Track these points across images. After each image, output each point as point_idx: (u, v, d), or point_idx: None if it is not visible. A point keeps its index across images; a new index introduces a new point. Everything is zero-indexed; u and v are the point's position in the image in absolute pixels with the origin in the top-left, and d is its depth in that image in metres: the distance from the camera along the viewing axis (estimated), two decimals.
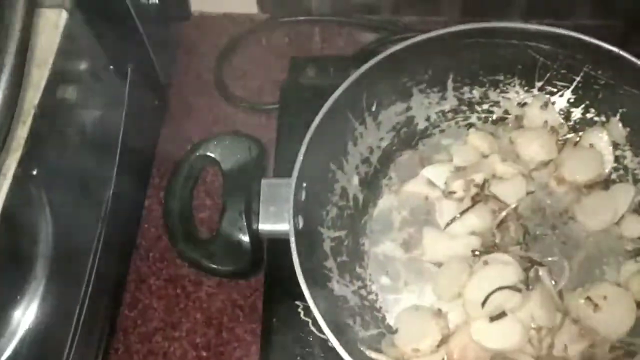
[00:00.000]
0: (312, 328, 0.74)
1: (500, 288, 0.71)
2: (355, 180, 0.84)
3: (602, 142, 0.83)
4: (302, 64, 0.95)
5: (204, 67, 1.08)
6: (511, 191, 0.80)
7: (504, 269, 0.73)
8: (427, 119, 0.88)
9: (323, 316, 0.66)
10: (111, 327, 0.88)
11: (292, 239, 0.68)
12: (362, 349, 0.72)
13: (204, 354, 0.88)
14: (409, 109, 0.87)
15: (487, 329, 0.71)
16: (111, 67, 0.85)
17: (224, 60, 1.07)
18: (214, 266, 0.69)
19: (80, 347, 0.77)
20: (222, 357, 0.87)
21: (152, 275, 0.93)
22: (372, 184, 0.86)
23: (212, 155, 0.72)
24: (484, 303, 0.71)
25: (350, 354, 0.65)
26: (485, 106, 0.89)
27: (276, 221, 0.72)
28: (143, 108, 0.93)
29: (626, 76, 0.79)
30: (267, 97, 1.04)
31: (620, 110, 0.82)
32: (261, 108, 1.02)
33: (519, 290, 0.70)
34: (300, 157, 0.72)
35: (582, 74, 0.83)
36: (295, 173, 0.72)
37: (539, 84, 0.86)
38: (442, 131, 0.88)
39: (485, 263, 0.75)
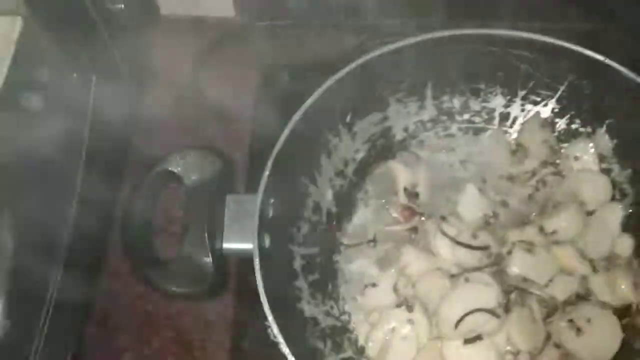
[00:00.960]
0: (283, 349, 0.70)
1: (478, 310, 0.68)
2: (329, 194, 0.81)
3: (588, 154, 0.79)
4: (276, 72, 0.91)
5: (177, 73, 1.04)
6: None
7: (483, 290, 0.70)
8: (405, 129, 0.85)
9: (288, 340, 0.63)
10: (78, 344, 0.85)
11: (256, 260, 0.65)
12: None
13: None
14: (385, 119, 0.84)
15: (459, 351, 0.67)
16: (74, 75, 0.81)
17: (198, 65, 1.03)
18: (174, 289, 0.65)
19: None
20: None
21: (122, 292, 0.90)
22: (346, 198, 0.82)
23: (174, 170, 0.68)
24: (458, 323, 0.67)
25: None
26: (466, 116, 0.85)
27: (241, 240, 0.68)
28: (110, 117, 0.89)
29: (613, 85, 0.75)
30: (242, 104, 1.00)
31: (607, 121, 0.79)
32: (235, 117, 0.98)
33: (498, 316, 0.67)
34: (266, 173, 0.69)
35: (566, 82, 0.79)
36: (261, 188, 0.68)
37: (521, 93, 0.82)
38: (420, 142, 0.84)
39: (467, 280, 0.71)
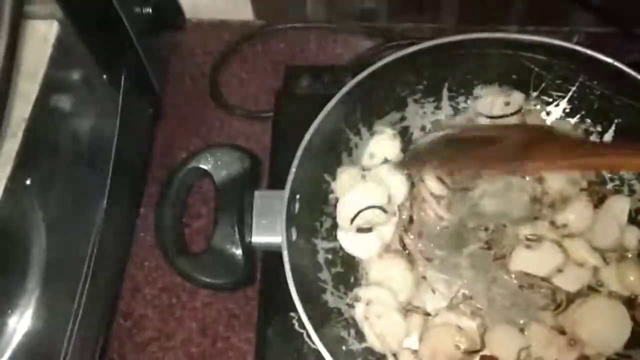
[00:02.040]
0: (307, 340, 0.73)
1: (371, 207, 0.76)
2: None
3: None
4: (297, 73, 0.94)
5: (199, 74, 1.08)
6: None
7: (376, 189, 0.78)
8: (422, 128, 0.88)
9: (316, 330, 0.66)
10: (106, 336, 0.88)
11: (285, 252, 0.68)
12: None
13: None
14: (403, 119, 0.87)
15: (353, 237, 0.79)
16: (104, 76, 0.85)
17: (219, 67, 1.06)
18: (207, 279, 0.68)
19: (74, 357, 0.77)
20: None
21: (147, 285, 0.93)
22: None
23: (205, 167, 0.72)
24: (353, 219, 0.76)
25: None
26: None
27: (269, 233, 0.71)
28: (137, 117, 0.93)
29: (621, 87, 0.78)
30: (262, 104, 1.03)
31: (616, 121, 0.82)
32: (256, 116, 1.02)
33: (386, 211, 0.76)
34: (292, 170, 0.72)
35: (577, 84, 0.82)
36: (288, 185, 0.71)
37: (534, 94, 0.85)
38: None
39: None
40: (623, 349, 0.74)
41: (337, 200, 0.81)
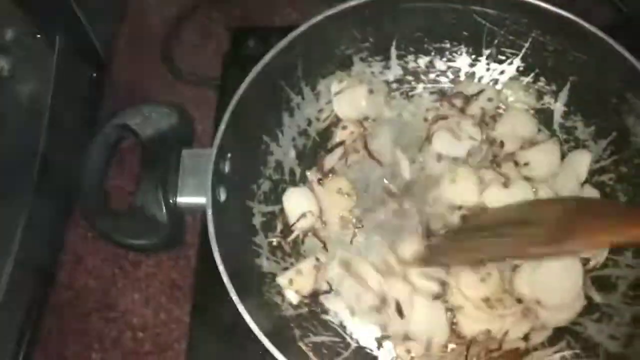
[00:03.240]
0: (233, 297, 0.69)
1: None
2: (292, 153, 0.81)
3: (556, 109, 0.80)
4: (243, 36, 0.90)
5: (152, 40, 1.04)
6: None
7: None
8: (370, 90, 0.84)
9: (241, 292, 0.63)
10: (40, 307, 0.85)
11: (209, 212, 0.65)
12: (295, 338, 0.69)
13: (140, 334, 0.85)
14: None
15: None
16: (38, 35, 0.81)
17: (173, 34, 1.02)
18: (127, 240, 0.65)
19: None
20: (158, 338, 0.84)
21: (89, 255, 0.90)
22: (310, 157, 0.82)
23: (130, 124, 0.68)
24: None
25: (277, 334, 0.62)
26: (431, 76, 0.85)
27: (195, 194, 0.68)
28: (77, 80, 0.89)
29: (576, 41, 0.74)
30: (215, 71, 0.99)
31: (570, 79, 0.78)
32: (207, 83, 0.98)
33: None
34: (221, 127, 0.69)
35: (530, 40, 0.78)
36: (216, 142, 0.68)
37: (486, 52, 0.82)
38: (387, 102, 0.84)
39: None
40: (575, 317, 0.70)
41: (277, 162, 0.78)
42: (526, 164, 0.76)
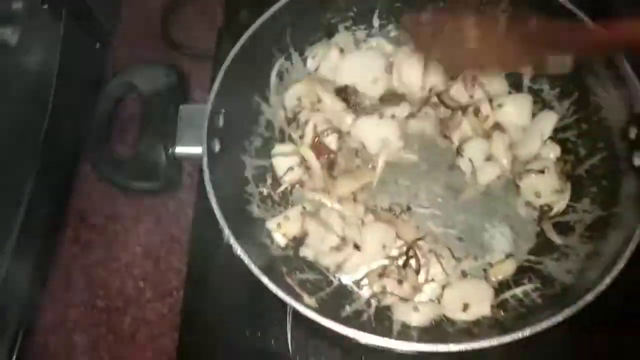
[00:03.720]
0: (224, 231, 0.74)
1: None
2: (282, 114, 0.87)
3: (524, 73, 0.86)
4: (236, 8, 0.97)
5: (153, 15, 1.09)
6: None
7: None
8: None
9: (235, 233, 0.69)
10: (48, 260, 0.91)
11: (205, 159, 0.71)
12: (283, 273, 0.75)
13: (142, 284, 0.91)
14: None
15: None
16: (45, 6, 0.87)
17: (172, 9, 1.08)
18: (130, 183, 0.72)
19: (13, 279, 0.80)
20: (158, 287, 0.91)
21: (94, 213, 0.96)
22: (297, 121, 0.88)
23: (133, 81, 0.75)
24: None
25: (267, 270, 0.67)
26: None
27: (191, 144, 0.74)
28: (83, 50, 0.95)
29: (541, 7, 0.78)
30: (211, 45, 1.05)
31: None
32: (204, 55, 1.03)
33: None
34: (216, 84, 0.75)
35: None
36: (211, 97, 0.74)
37: None
38: None
39: None
40: (535, 256, 0.77)
41: (268, 122, 0.85)
42: (500, 105, 0.83)
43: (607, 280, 0.64)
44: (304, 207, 0.80)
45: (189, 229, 0.91)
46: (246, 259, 0.68)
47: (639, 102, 0.71)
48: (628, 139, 0.73)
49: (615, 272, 0.64)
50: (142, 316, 0.89)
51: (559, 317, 0.62)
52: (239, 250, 0.68)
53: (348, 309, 0.75)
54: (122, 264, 0.92)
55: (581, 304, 0.63)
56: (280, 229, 0.78)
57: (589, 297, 0.63)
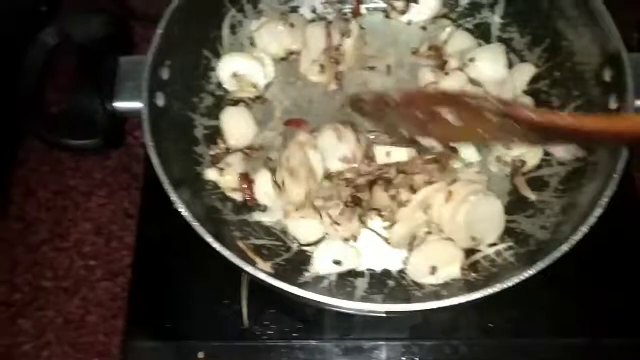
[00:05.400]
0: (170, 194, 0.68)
1: None
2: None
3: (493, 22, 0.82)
4: None
5: None
6: None
7: None
8: (313, 10, 0.85)
9: (180, 192, 0.63)
10: None
11: (145, 111, 0.65)
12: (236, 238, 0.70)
13: (92, 263, 0.85)
14: None
15: None
16: None
17: None
18: (64, 141, 0.65)
19: None
20: (110, 266, 0.85)
21: (41, 188, 0.90)
22: None
23: (66, 29, 0.68)
24: None
25: (217, 235, 0.62)
26: None
27: (132, 99, 0.68)
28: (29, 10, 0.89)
29: None
30: None
31: None
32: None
33: None
34: (158, 32, 0.69)
35: None
36: (153, 46, 0.68)
37: None
38: (329, 23, 0.84)
39: None
40: (508, 215, 0.72)
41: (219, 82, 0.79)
42: (472, 60, 0.77)
43: (584, 229, 0.58)
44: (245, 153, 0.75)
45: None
46: (194, 223, 0.62)
47: (613, 40, 0.66)
48: (603, 82, 0.68)
49: (592, 220, 0.59)
50: (93, 297, 0.83)
51: (530, 272, 0.57)
52: (184, 213, 0.62)
53: (307, 275, 0.69)
54: (72, 242, 0.86)
55: (556, 255, 0.57)
56: (223, 177, 0.72)
57: (564, 248, 0.58)
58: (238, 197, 0.73)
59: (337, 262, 0.70)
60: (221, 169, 0.72)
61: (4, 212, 0.88)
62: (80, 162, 0.90)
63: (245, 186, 0.73)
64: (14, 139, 0.89)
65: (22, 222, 0.88)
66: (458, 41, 0.81)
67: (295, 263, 0.70)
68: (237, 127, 0.78)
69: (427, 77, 0.77)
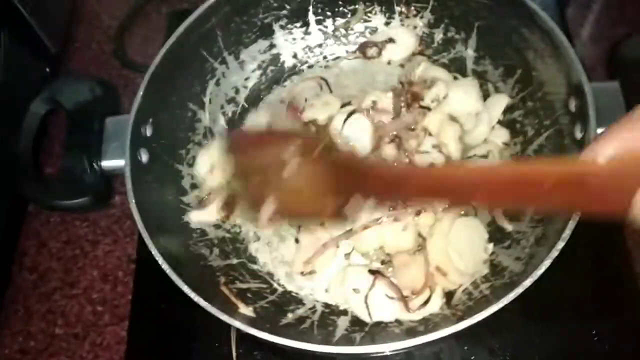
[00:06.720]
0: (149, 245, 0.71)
1: None
2: (222, 120, 0.85)
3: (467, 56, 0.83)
4: (179, 18, 0.95)
5: (105, 38, 1.10)
6: None
7: None
8: (294, 55, 0.88)
9: (162, 242, 0.67)
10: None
11: (127, 169, 0.69)
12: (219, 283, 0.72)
13: (100, 308, 0.89)
14: (272, 46, 0.87)
15: None
16: None
17: (125, 28, 1.08)
18: (57, 202, 0.70)
19: None
20: (116, 310, 0.89)
21: (52, 239, 0.95)
22: (240, 124, 0.86)
23: (55, 96, 0.73)
24: None
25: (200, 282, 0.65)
26: (351, 38, 0.88)
27: (118, 157, 0.72)
28: (29, 74, 0.94)
29: None
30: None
31: (477, 24, 0.81)
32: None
33: None
34: (139, 93, 0.73)
35: None
36: (134, 106, 0.72)
37: (398, 9, 0.85)
38: (310, 67, 0.88)
39: None
40: None
41: (206, 129, 0.82)
42: (445, 97, 0.79)
43: (547, 262, 0.59)
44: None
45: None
46: (174, 277, 0.65)
47: (575, 72, 0.67)
48: (569, 112, 0.69)
49: (554, 253, 0.59)
50: (100, 341, 0.87)
51: (494, 307, 0.58)
52: (164, 266, 0.65)
53: (290, 316, 0.71)
54: (81, 289, 0.91)
55: (519, 290, 0.58)
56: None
57: (527, 282, 0.58)
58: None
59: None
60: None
61: (19, 264, 0.93)
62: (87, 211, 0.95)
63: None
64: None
65: (35, 273, 0.93)
66: (432, 75, 0.83)
67: (278, 304, 0.73)
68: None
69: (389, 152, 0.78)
